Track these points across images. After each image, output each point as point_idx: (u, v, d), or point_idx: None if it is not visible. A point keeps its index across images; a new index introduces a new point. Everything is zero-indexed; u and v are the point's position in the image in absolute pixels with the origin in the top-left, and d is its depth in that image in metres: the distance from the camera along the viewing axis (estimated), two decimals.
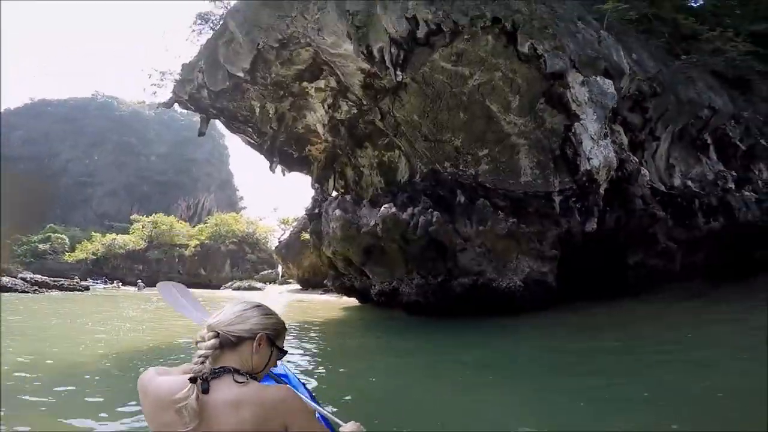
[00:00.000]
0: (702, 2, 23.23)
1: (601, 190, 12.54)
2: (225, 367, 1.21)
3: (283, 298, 29.55)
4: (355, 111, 15.42)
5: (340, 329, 13.02)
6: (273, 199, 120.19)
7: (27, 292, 23.21)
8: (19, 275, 27.43)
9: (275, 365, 1.42)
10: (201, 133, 18.48)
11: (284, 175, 19.98)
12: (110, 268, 53.80)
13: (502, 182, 13.99)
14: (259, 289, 39.97)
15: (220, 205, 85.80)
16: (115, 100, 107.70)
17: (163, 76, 18.41)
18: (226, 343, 1.25)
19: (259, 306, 1.37)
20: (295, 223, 40.62)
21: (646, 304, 11.48)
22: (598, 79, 13.69)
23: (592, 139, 13.16)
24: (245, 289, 39.86)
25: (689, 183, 15.64)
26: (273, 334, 1.33)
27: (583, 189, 12.65)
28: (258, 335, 1.28)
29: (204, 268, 54.07)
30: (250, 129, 17.10)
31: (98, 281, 44.19)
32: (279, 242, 40.53)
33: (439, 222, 11.54)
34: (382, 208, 11.81)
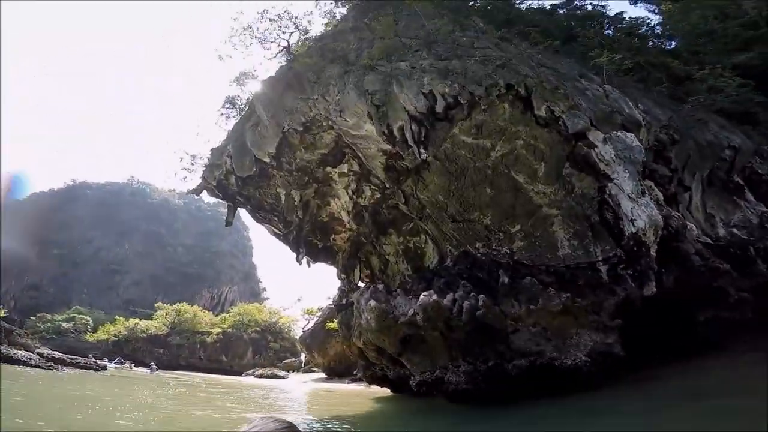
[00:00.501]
0: (675, 44, 23.86)
1: (653, 252, 11.53)
2: None
3: (307, 387, 27.68)
4: (378, 195, 15.26)
5: (385, 423, 11.76)
6: (296, 290, 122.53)
7: (40, 367, 22.51)
8: (36, 350, 26.67)
9: None
10: (228, 223, 18.56)
11: (309, 266, 19.64)
12: (130, 350, 53.40)
13: (539, 258, 13.13)
14: (282, 377, 37.99)
15: (243, 296, 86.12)
16: (148, 187, 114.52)
17: (194, 159, 18.82)
18: None
19: (290, 426, 1.45)
20: (319, 313, 40.00)
21: (722, 359, 10.24)
22: (620, 133, 13.38)
23: (630, 198, 12.43)
24: (268, 376, 37.98)
25: (735, 231, 14.54)
26: None
27: (632, 254, 11.66)
28: None
29: (225, 355, 53.02)
30: (275, 218, 17.10)
31: (114, 360, 43.75)
32: (303, 331, 39.70)
33: (486, 305, 10.66)
34: (422, 297, 11.07)
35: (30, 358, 23.09)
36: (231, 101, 19.86)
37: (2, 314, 33.08)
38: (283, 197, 15.73)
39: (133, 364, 43.14)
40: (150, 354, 52.84)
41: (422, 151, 12.37)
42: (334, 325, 31.63)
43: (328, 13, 25.43)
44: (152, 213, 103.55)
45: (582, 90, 15.01)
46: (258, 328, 55.39)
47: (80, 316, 63.63)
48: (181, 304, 59.44)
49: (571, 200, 13.39)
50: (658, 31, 26.43)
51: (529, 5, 28.55)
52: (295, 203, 15.68)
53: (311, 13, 41.31)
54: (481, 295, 10.80)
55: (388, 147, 13.71)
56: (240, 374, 44.18)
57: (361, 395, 18.59)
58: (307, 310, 44.90)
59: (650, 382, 9.84)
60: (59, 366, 24.30)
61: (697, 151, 15.34)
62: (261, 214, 17.81)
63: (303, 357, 52.60)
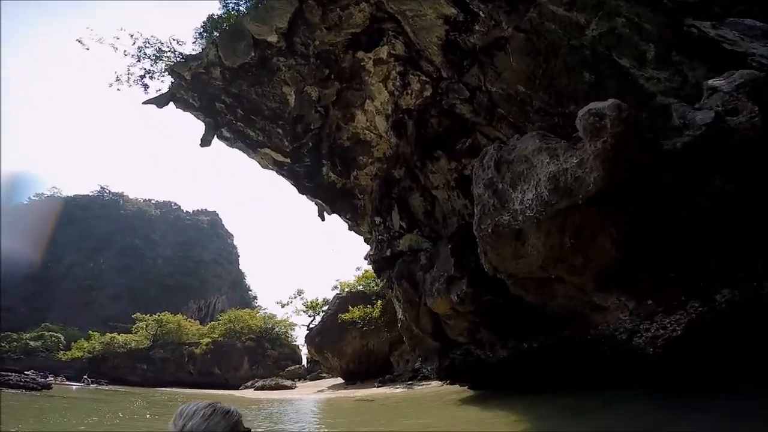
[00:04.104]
0: None
1: None
2: None
3: (328, 398, 21.25)
4: (429, 93, 10.83)
5: None
6: (288, 295, 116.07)
7: None
8: None
9: None
10: (205, 143, 13.28)
11: (323, 219, 15.39)
12: (109, 368, 47.45)
13: None
14: (288, 387, 31.94)
15: (233, 305, 79.35)
16: (121, 198, 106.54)
17: (160, 55, 13.12)
18: None
19: (214, 412, 1.31)
20: (326, 307, 34.48)
21: None
22: (731, 19, 9.84)
23: None
24: (271, 388, 31.83)
25: None
26: (239, 429, 1.34)
27: None
28: None
29: (218, 367, 46.74)
30: (278, 131, 12.30)
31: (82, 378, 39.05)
32: (309, 329, 33.95)
33: None
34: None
35: None
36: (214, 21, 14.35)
37: None
38: (293, 97, 11.08)
39: (64, 379, 38.50)
40: (132, 371, 47.47)
41: None
42: (351, 314, 26.36)
43: None
44: (127, 225, 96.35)
45: None
46: (253, 336, 49.60)
47: (50, 333, 57.53)
48: (163, 314, 53.39)
49: (689, 89, 9.53)
50: None
51: None
52: (313, 98, 11.02)
53: None
54: None
55: (452, 11, 9.32)
56: (237, 387, 38.06)
57: (435, 397, 13.17)
58: (312, 302, 38.38)
59: None
60: None
61: None
62: (257, 129, 12.85)
63: (305, 362, 47.36)
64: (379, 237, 12.99)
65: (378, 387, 20.82)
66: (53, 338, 56.28)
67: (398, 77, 10.44)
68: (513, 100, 10.43)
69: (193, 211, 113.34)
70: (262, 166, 16.76)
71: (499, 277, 7.29)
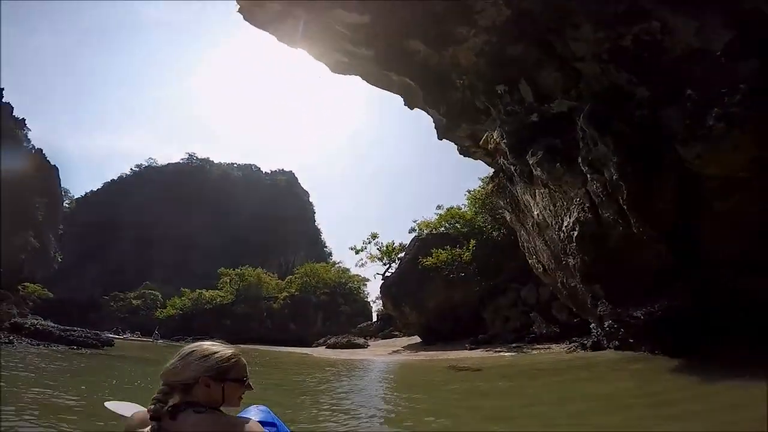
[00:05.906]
0: None
1: None
2: (188, 402, 1.30)
3: (418, 361, 16.82)
4: None
5: None
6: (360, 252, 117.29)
7: None
8: (13, 319, 19.88)
9: (240, 398, 1.41)
10: None
11: (412, 107, 11.71)
12: (198, 324, 48.95)
13: None
14: (360, 345, 28.99)
15: (310, 261, 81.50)
16: (207, 163, 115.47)
17: None
18: (178, 388, 1.31)
19: (192, 352, 1.37)
20: (402, 254, 30.48)
21: None
22: None
23: None
24: (344, 345, 29.13)
25: None
26: (216, 374, 1.34)
27: None
28: (200, 379, 1.32)
29: (294, 323, 46.29)
30: None
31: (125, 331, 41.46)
32: (385, 278, 30.26)
33: None
34: None
35: None
36: None
37: None
38: None
39: (139, 333, 40.88)
40: (217, 327, 47.95)
41: None
42: (435, 257, 21.94)
43: None
44: (214, 187, 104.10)
45: None
46: (327, 290, 48.76)
47: (150, 291, 62.37)
48: (245, 268, 54.51)
49: None
50: None
51: None
52: None
53: None
54: None
55: None
56: (310, 344, 36.25)
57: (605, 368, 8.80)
58: (387, 247, 32.88)
59: None
60: (36, 342, 17.04)
61: None
62: None
63: (375, 319, 45.30)
64: (508, 108, 9.25)
65: (471, 349, 16.77)
66: (152, 297, 60.84)
67: None
68: None
69: (272, 171, 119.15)
70: (332, 70, 13.55)
71: None
